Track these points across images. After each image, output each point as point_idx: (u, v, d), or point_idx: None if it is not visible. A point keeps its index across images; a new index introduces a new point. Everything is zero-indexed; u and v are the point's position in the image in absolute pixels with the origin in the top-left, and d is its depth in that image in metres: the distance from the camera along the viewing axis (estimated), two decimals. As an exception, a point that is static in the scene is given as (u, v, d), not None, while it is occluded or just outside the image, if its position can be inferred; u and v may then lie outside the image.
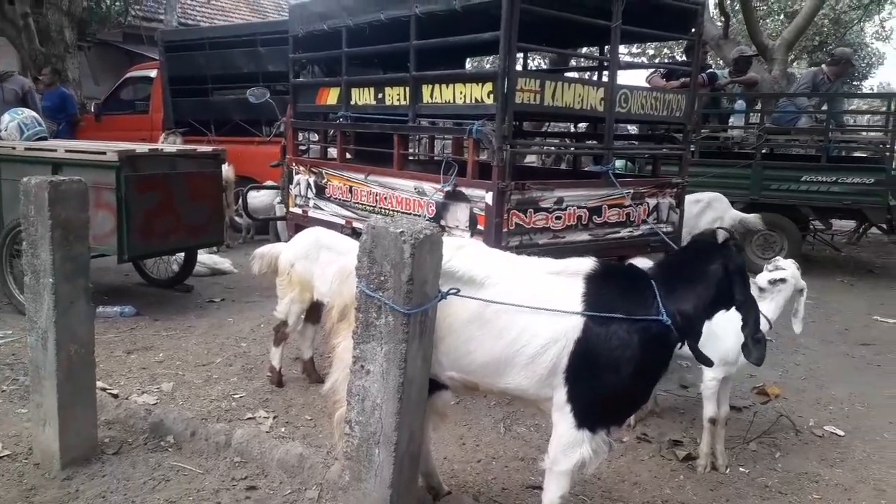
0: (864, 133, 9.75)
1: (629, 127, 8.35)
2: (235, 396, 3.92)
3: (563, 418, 2.37)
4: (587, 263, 2.47)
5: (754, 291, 3.06)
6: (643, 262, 3.67)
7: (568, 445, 2.35)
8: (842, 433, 3.79)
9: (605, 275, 2.46)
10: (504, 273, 2.46)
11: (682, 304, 2.37)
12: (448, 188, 4.07)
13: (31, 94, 7.12)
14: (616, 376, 2.32)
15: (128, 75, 10.85)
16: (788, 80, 11.50)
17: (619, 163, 8.31)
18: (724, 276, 2.40)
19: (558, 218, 4.03)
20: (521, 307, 2.34)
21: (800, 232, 7.78)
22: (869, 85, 25.45)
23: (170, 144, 7.69)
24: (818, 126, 7.99)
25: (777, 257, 3.47)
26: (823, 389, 4.41)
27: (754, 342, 2.43)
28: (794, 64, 19.76)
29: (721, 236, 2.51)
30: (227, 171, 7.05)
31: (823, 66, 8.90)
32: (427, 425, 2.81)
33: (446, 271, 2.37)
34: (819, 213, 7.78)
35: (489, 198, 3.78)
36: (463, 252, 2.50)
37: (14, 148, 5.48)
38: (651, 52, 19.58)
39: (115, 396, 3.78)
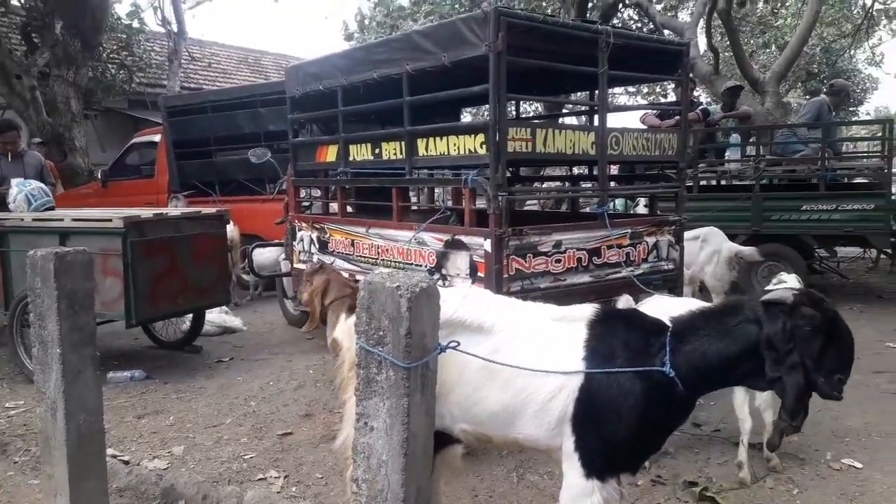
0: (864, 160, 9.80)
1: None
2: (246, 457, 3.91)
3: (571, 467, 2.35)
4: (591, 310, 2.47)
5: None
6: (628, 301, 3.72)
7: (578, 495, 2.32)
8: (860, 465, 3.72)
9: (610, 321, 2.45)
10: (509, 320, 2.49)
11: (694, 358, 2.26)
12: (420, 235, 4.24)
13: (46, 169, 7.29)
14: (621, 424, 2.29)
15: (133, 141, 11.05)
16: (785, 111, 11.63)
17: (619, 202, 8.42)
18: (752, 343, 2.20)
19: (558, 261, 4.07)
20: (525, 352, 2.36)
21: (805, 261, 7.77)
22: (865, 110, 25.67)
23: (174, 208, 7.82)
24: (813, 155, 8.05)
25: (781, 273, 3.47)
26: (839, 420, 4.35)
27: (787, 426, 2.24)
28: (789, 94, 19.99)
29: (784, 297, 2.19)
30: (231, 230, 7.14)
31: (823, 95, 9.02)
32: (439, 479, 2.81)
33: (454, 320, 2.42)
34: (822, 242, 7.78)
35: (487, 245, 3.83)
36: (468, 300, 2.55)
37: (22, 219, 5.59)
38: (645, 90, 19.85)
39: (126, 463, 3.78)
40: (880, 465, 3.73)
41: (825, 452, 3.88)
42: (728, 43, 12.12)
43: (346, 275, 5.00)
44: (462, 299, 2.54)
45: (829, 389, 2.18)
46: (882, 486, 3.49)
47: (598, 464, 2.32)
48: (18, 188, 5.99)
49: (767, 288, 3.40)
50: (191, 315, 6.17)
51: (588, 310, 2.48)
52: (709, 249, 6.41)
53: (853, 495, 3.40)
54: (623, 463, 2.40)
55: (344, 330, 3.75)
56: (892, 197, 7.35)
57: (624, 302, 3.66)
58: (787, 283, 3.29)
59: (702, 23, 12.28)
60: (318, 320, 4.15)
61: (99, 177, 10.95)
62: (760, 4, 17.74)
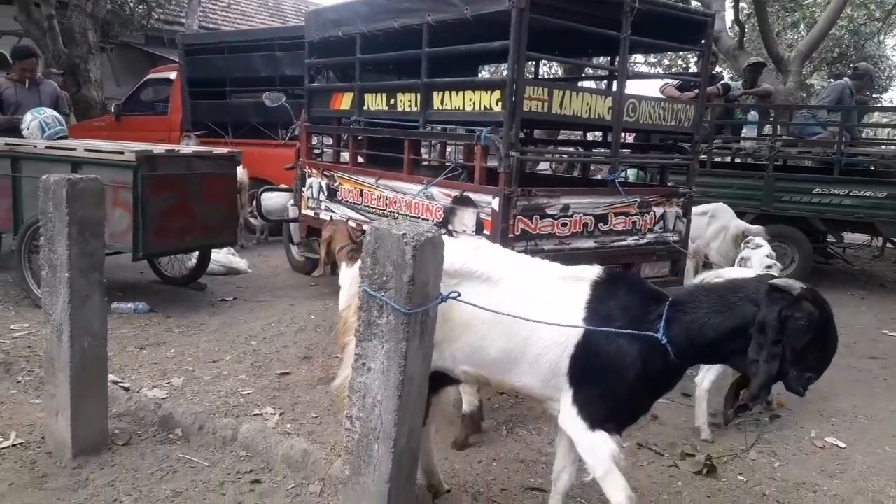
0: (883, 146, 9.69)
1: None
2: (243, 393, 4.00)
3: (575, 426, 2.40)
4: (596, 271, 2.53)
5: None
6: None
7: (594, 447, 2.37)
8: (843, 445, 3.80)
9: (613, 284, 2.50)
10: (518, 274, 2.56)
11: (691, 329, 2.30)
12: (429, 189, 4.33)
13: (62, 98, 7.28)
14: (613, 383, 2.36)
15: (148, 77, 11.00)
16: (808, 92, 11.48)
17: (630, 172, 8.38)
18: (747, 322, 2.22)
19: (564, 224, 4.09)
20: (530, 306, 2.42)
21: (811, 244, 7.76)
22: (889, 98, 25.22)
23: (186, 146, 7.82)
24: (830, 139, 7.98)
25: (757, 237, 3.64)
26: (827, 401, 4.41)
27: (751, 401, 2.30)
28: (814, 75, 19.68)
29: (791, 286, 2.19)
30: (241, 173, 7.15)
31: (846, 78, 8.89)
32: (431, 425, 2.88)
33: (465, 270, 2.51)
34: (831, 226, 7.76)
35: (496, 203, 3.84)
36: (480, 252, 2.63)
37: (35, 146, 5.61)
38: (667, 62, 19.56)
39: (127, 389, 3.86)
40: (863, 446, 3.80)
41: (810, 430, 3.96)
42: (756, 19, 11.89)
43: (353, 224, 5.04)
44: (474, 251, 2.62)
45: (796, 384, 2.26)
46: (862, 465, 3.56)
47: (598, 416, 2.38)
48: (33, 115, 5.99)
49: (742, 254, 3.59)
50: (197, 253, 6.23)
51: (594, 271, 2.54)
52: (716, 225, 6.41)
53: (833, 472, 3.48)
54: (615, 419, 2.44)
55: (345, 276, 3.83)
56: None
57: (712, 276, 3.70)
58: (764, 247, 3.38)
59: (731, -4, 12.06)
60: (324, 266, 4.24)
61: (112, 110, 10.92)
62: (792, -19, 17.36)
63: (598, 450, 2.37)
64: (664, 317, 2.33)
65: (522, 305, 2.43)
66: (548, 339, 2.41)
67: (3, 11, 12.64)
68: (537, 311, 2.42)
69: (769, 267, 4.48)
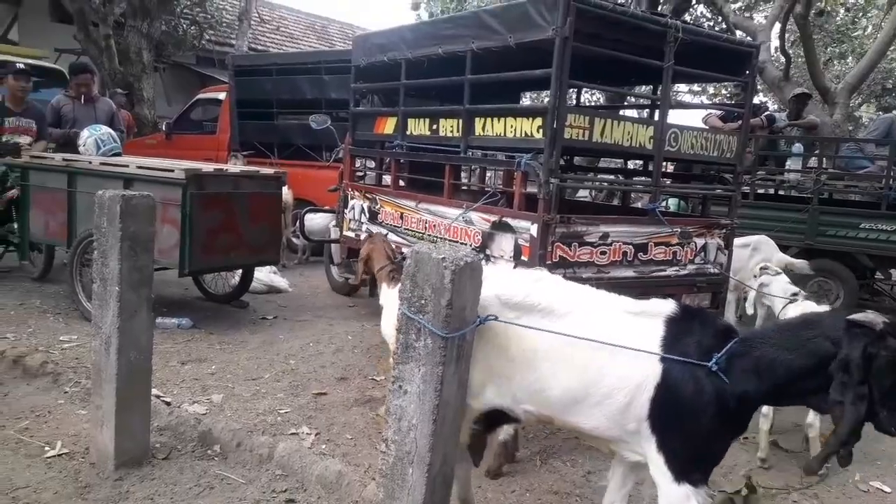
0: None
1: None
2: (281, 411, 4.04)
3: (661, 475, 2.29)
4: (669, 306, 2.40)
5: None
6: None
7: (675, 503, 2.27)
8: (888, 490, 3.69)
9: (688, 321, 2.37)
10: (584, 308, 2.45)
11: (760, 365, 2.21)
12: (468, 214, 4.37)
13: (117, 116, 7.54)
14: (693, 426, 2.24)
15: (198, 96, 11.31)
16: (856, 125, 11.27)
17: (671, 202, 8.32)
18: (824, 361, 2.10)
19: (603, 253, 4.08)
20: (599, 346, 2.32)
21: (857, 281, 7.57)
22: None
23: (233, 165, 8.01)
24: (878, 173, 7.80)
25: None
26: (872, 443, 4.26)
27: (841, 447, 2.17)
28: (861, 108, 19.29)
29: (873, 321, 2.10)
30: (286, 193, 7.29)
31: (895, 112, 8.73)
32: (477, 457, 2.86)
33: (526, 304, 2.43)
34: (878, 263, 7.56)
35: (534, 229, 3.86)
36: (541, 284, 2.55)
37: (90, 162, 5.81)
38: (711, 91, 19.41)
39: (168, 404, 3.94)
40: (910, 491, 3.68)
41: (854, 473, 3.83)
42: (802, 50, 11.76)
43: (393, 246, 5.10)
44: (534, 282, 2.54)
45: (889, 425, 2.11)
46: (909, 512, 3.46)
47: (686, 466, 2.26)
48: (89, 132, 6.21)
49: (762, 279, 3.58)
50: (240, 271, 6.35)
51: (667, 306, 2.41)
52: (758, 258, 6.29)
53: (877, 518, 3.38)
54: (700, 469, 2.31)
55: (386, 298, 3.87)
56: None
57: None
58: (782, 274, 3.37)
59: (777, 27, 11.94)
60: (359, 282, 4.28)
61: (163, 129, 11.26)
62: (841, 12, 17.11)
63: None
64: (726, 349, 2.22)
65: (592, 345, 2.31)
66: (622, 378, 2.29)
67: (63, 30, 13.23)
68: (607, 350, 2.30)
69: (795, 294, 4.36)
